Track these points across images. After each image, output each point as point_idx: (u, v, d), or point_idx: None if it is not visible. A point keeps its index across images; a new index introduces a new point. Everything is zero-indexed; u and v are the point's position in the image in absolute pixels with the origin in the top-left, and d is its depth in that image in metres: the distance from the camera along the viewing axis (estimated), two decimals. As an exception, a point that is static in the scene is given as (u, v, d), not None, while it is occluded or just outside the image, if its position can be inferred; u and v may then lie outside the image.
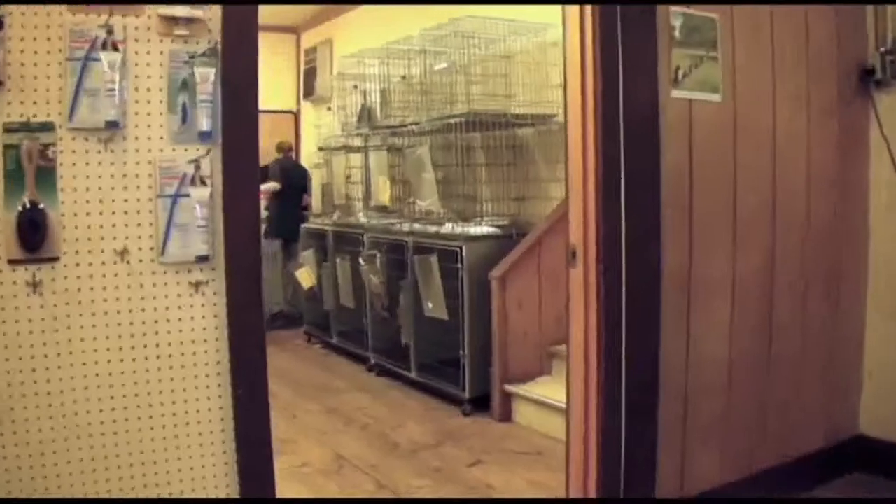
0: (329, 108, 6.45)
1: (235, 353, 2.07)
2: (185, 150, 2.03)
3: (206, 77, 1.99)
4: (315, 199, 6.71)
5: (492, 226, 4.94)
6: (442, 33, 4.96)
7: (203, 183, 2.03)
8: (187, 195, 2.02)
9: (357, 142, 6.03)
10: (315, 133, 7.14)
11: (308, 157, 7.70)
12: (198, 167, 2.02)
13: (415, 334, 5.14)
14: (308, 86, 8.26)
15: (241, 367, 2.10)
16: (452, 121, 4.76)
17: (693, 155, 2.91)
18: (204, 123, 2.00)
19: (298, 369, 5.93)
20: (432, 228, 5.02)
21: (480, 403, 4.71)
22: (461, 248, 4.65)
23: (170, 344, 2.06)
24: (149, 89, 2.00)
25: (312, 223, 6.69)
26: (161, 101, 2.00)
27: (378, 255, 5.43)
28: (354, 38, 7.05)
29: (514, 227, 4.95)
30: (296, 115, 8.78)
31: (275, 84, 8.64)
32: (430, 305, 4.89)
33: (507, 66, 5.12)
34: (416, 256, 4.98)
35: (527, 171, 5.18)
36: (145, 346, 2.04)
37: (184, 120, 2.01)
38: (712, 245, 2.97)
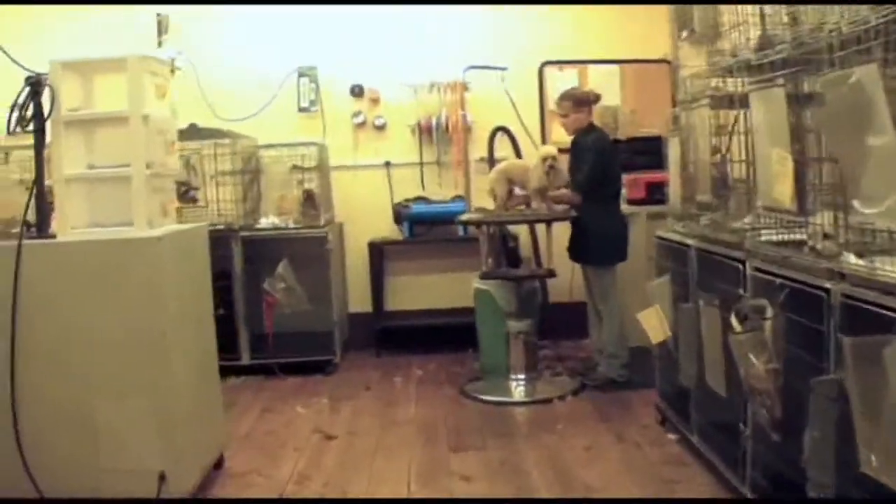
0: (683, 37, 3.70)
1: None
2: None
3: None
4: (672, 191, 4.02)
5: None
6: None
7: None
8: None
9: (734, 86, 3.20)
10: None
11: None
12: None
13: (837, 498, 2.31)
14: (683, 17, 5.49)
15: None
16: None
17: None
18: None
19: (617, 491, 3.35)
20: (892, 269, 2.13)
21: None
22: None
23: None
24: None
25: (668, 232, 4.00)
26: None
27: (768, 313, 2.66)
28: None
29: None
30: (670, 65, 6.04)
31: (635, 21, 6.08)
32: (876, 461, 2.03)
33: None
34: (849, 339, 2.13)
35: None
36: None
37: None
38: None
